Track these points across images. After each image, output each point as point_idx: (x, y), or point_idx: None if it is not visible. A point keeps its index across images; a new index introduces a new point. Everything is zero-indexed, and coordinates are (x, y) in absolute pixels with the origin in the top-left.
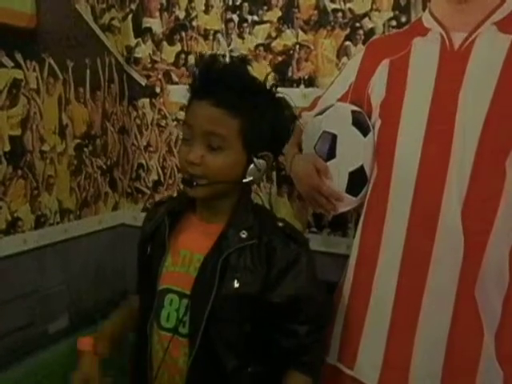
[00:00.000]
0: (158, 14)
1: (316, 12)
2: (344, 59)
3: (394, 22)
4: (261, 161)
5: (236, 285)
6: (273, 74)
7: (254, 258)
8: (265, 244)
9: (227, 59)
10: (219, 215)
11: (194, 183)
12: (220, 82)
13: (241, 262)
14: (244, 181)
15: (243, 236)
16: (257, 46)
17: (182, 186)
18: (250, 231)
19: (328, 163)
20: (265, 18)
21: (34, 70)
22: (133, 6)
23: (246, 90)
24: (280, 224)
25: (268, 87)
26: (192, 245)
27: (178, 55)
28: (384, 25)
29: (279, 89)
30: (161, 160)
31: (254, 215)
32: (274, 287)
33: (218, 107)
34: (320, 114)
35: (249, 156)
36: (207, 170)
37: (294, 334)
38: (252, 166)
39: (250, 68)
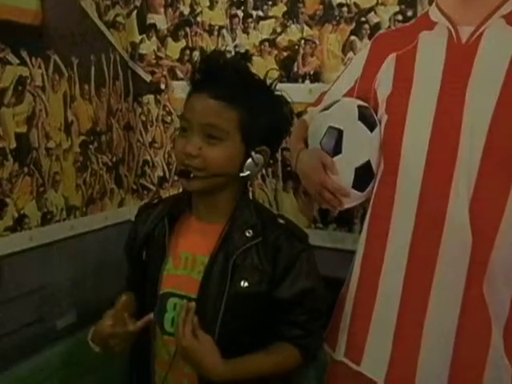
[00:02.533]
0: (162, 10)
1: (321, 7)
2: (350, 54)
3: (400, 17)
4: (258, 155)
5: (245, 284)
6: (277, 70)
7: (260, 256)
8: (271, 242)
9: (229, 55)
10: (218, 214)
11: (191, 175)
12: (219, 75)
13: (248, 262)
14: (241, 175)
15: (248, 235)
16: (262, 42)
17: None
18: (254, 229)
19: (334, 158)
20: (270, 14)
21: (40, 67)
22: (137, 3)
23: (245, 84)
24: (281, 221)
25: (268, 84)
26: (193, 247)
27: (182, 51)
28: (390, 19)
29: (281, 86)
30: (166, 156)
31: (255, 213)
32: (281, 284)
33: (216, 99)
34: (326, 109)
35: (247, 150)
36: (205, 162)
37: (297, 324)
38: (250, 160)
39: (250, 65)
